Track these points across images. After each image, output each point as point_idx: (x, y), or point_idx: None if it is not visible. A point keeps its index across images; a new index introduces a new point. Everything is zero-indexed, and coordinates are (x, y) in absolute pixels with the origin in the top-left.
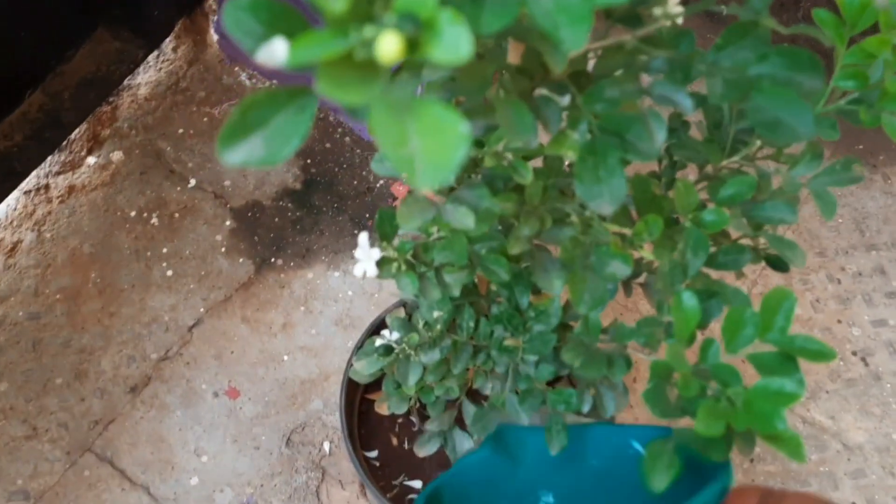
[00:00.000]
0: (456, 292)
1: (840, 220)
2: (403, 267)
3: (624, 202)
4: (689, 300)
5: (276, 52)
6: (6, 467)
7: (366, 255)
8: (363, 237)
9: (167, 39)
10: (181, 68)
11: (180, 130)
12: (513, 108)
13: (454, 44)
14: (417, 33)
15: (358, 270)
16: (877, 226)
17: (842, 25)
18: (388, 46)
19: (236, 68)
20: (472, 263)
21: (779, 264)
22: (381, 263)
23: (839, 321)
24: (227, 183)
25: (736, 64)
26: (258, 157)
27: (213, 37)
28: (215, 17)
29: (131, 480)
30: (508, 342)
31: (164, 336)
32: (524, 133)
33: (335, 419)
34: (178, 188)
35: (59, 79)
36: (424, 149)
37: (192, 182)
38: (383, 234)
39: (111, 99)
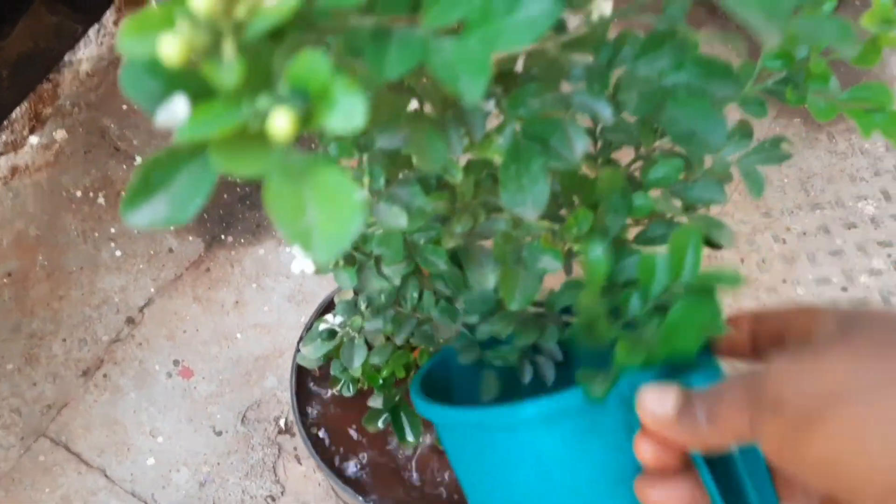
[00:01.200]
0: (396, 282)
1: (786, 180)
2: (341, 262)
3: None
4: (596, 250)
5: (178, 111)
6: None
7: (297, 257)
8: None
9: (107, 13)
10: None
11: (124, 107)
12: (424, 134)
13: (349, 113)
14: (310, 106)
15: (295, 268)
16: (821, 185)
17: None
18: (281, 123)
19: None
20: (410, 254)
21: (710, 242)
22: (318, 269)
23: (784, 280)
24: None
25: (652, 74)
26: (162, 219)
27: (154, 7)
28: None
29: (87, 463)
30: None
31: (115, 318)
32: (435, 161)
33: (290, 395)
34: (124, 166)
35: None
36: (321, 219)
37: (138, 160)
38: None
39: (52, 76)
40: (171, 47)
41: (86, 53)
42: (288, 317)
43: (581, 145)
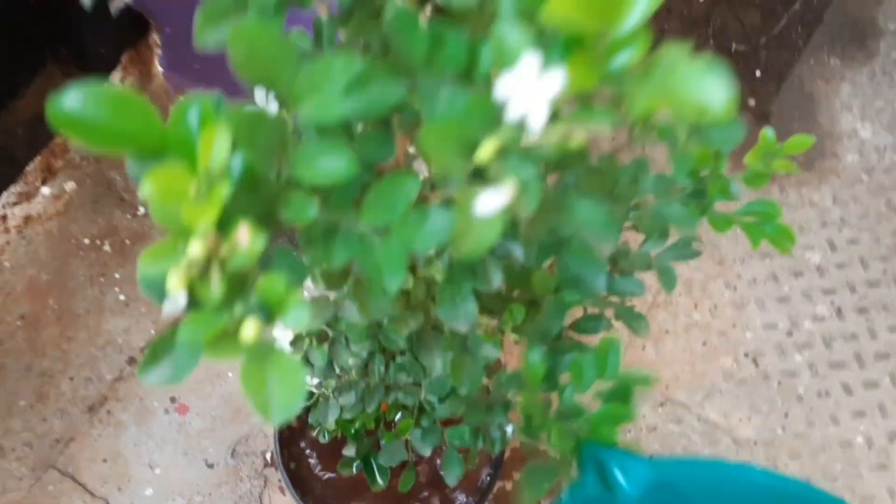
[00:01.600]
0: (363, 355)
1: (737, 231)
2: (314, 343)
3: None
4: (534, 357)
5: (178, 304)
6: None
7: (280, 333)
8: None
9: (114, 72)
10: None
11: None
12: (368, 295)
13: (297, 318)
14: (271, 312)
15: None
16: None
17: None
18: (250, 330)
19: (181, 97)
20: (374, 333)
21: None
22: (294, 341)
23: (734, 325)
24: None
25: (553, 228)
26: (166, 380)
27: (158, 68)
28: (159, 51)
29: (92, 493)
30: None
31: (118, 358)
32: (376, 314)
33: (272, 434)
34: (129, 216)
35: (12, 115)
36: (277, 393)
37: (142, 210)
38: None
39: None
40: (174, 280)
41: None
42: None
43: (497, 277)
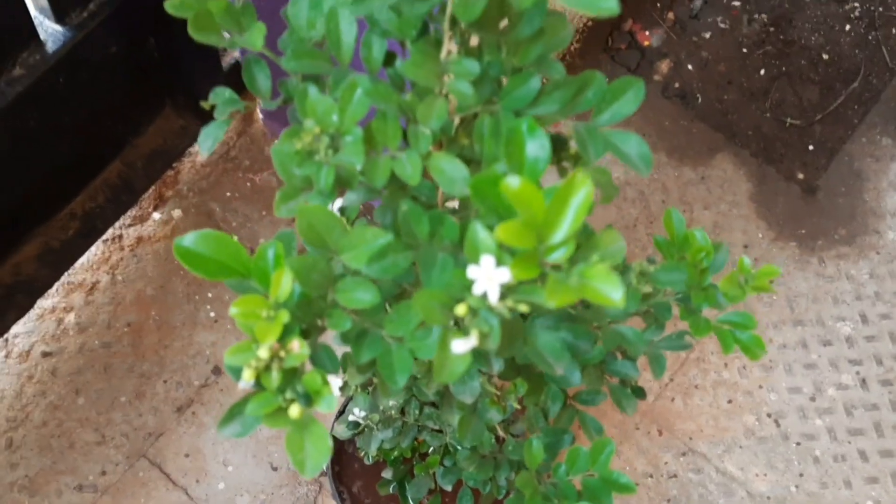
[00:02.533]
0: (401, 401)
1: (774, 297)
2: (359, 390)
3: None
4: (535, 444)
5: (250, 384)
6: (82, 466)
7: (333, 380)
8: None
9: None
10: (231, 139)
11: (228, 193)
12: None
13: (329, 402)
14: (311, 399)
15: None
16: (806, 304)
17: (672, 246)
18: (294, 412)
19: (277, 141)
20: (410, 384)
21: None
22: (343, 388)
23: (760, 386)
24: (261, 240)
25: (537, 337)
26: (237, 433)
27: (259, 115)
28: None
29: (174, 482)
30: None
31: (205, 367)
32: (392, 397)
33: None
34: None
35: (134, 150)
36: (311, 455)
37: (235, 238)
38: (344, 366)
39: (175, 165)
40: (247, 372)
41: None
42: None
43: (498, 364)
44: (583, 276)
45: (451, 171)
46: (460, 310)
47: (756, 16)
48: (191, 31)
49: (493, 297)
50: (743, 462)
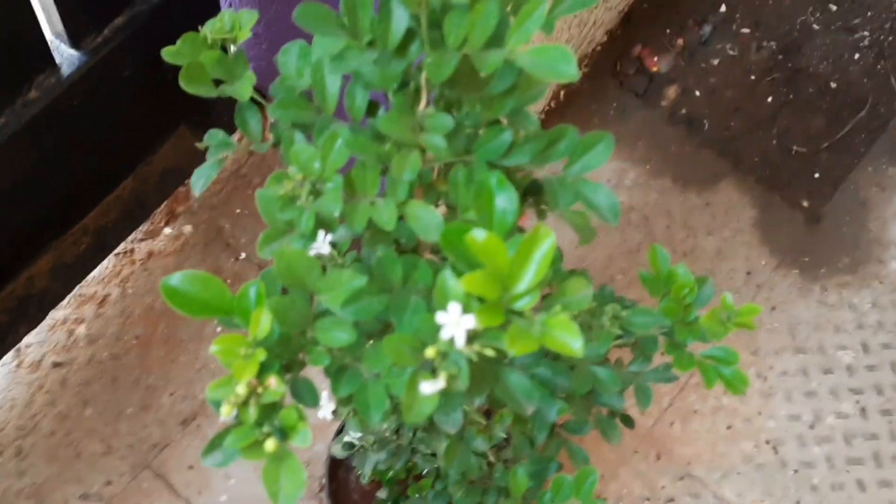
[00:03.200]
0: (394, 424)
1: (776, 325)
2: (351, 414)
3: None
4: (520, 473)
5: (229, 418)
6: (87, 475)
7: (325, 404)
8: (324, 394)
9: (234, 136)
10: (242, 158)
11: (237, 210)
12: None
13: (303, 437)
14: (287, 433)
15: (320, 414)
16: (807, 332)
17: (657, 281)
18: (270, 446)
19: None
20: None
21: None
22: (335, 411)
23: (759, 413)
24: (260, 235)
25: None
26: (218, 463)
27: (269, 134)
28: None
29: (177, 494)
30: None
31: (210, 380)
32: (371, 429)
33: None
34: (232, 259)
35: (148, 168)
36: (285, 487)
37: (243, 255)
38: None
39: (187, 182)
40: (226, 407)
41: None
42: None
43: (479, 399)
44: (545, 326)
45: (426, 219)
46: (429, 352)
47: (765, 43)
48: (182, 81)
49: (460, 342)
50: (740, 488)
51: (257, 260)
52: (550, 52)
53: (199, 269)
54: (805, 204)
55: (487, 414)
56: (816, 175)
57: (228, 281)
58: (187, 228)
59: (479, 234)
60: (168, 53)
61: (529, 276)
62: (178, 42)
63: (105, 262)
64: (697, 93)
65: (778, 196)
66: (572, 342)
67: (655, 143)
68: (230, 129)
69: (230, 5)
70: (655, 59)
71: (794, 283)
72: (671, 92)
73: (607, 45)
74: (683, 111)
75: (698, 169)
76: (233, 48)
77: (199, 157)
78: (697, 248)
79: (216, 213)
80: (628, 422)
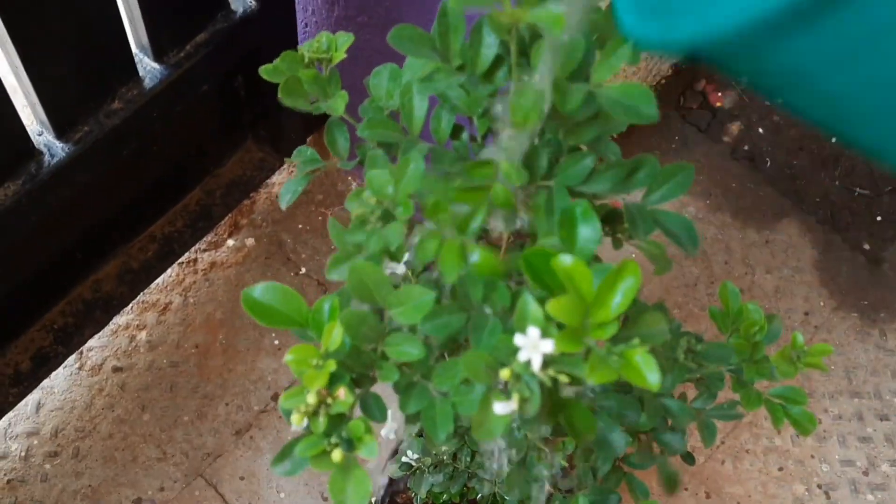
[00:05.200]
0: (453, 447)
1: (832, 367)
2: (412, 434)
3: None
4: (582, 500)
5: (300, 427)
6: (142, 480)
7: (388, 422)
8: (388, 412)
9: None
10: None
11: (299, 226)
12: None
13: (370, 451)
14: (354, 445)
15: (382, 433)
16: (864, 376)
17: (727, 318)
18: (337, 456)
19: (349, 178)
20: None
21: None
22: (397, 431)
23: (812, 456)
24: (330, 258)
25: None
26: (289, 471)
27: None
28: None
29: (228, 503)
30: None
31: (266, 393)
32: (437, 448)
33: (382, 480)
34: (291, 273)
35: (215, 180)
36: (352, 497)
37: (303, 270)
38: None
39: (252, 195)
40: (296, 416)
41: (278, 180)
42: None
43: (546, 429)
44: (623, 357)
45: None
46: (504, 373)
47: None
48: (281, 95)
49: (536, 366)
50: None
51: (317, 275)
52: (633, 91)
53: (259, 280)
54: (866, 246)
55: (547, 441)
56: (879, 217)
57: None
58: (250, 241)
59: (566, 260)
60: (266, 71)
61: (613, 307)
62: (277, 60)
63: (169, 270)
64: (760, 130)
65: (839, 237)
66: (650, 375)
67: (717, 178)
68: (296, 145)
69: (306, 25)
70: (719, 94)
71: (852, 326)
72: (734, 128)
73: (672, 79)
74: (746, 147)
75: (759, 206)
76: (327, 67)
77: (265, 171)
78: (756, 285)
79: (279, 227)
80: (689, 459)
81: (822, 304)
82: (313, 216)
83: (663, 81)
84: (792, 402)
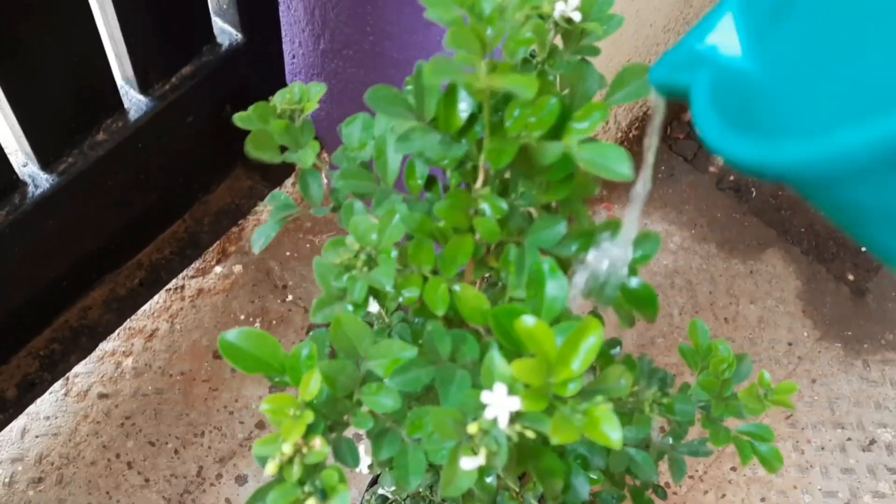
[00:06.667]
0: (427, 481)
1: (816, 398)
2: (387, 469)
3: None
4: None
5: (273, 474)
6: None
7: (363, 457)
8: (362, 448)
9: (288, 179)
10: (296, 202)
11: (287, 253)
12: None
13: (342, 499)
14: (328, 494)
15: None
16: (847, 407)
17: (696, 355)
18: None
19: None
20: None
21: None
22: (371, 466)
23: (795, 487)
24: (314, 300)
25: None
26: None
27: (324, 179)
28: (327, 167)
29: None
30: None
31: (250, 421)
32: (409, 491)
33: None
34: (279, 300)
35: (203, 207)
36: None
37: (290, 297)
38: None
39: (240, 222)
40: (271, 465)
41: (267, 207)
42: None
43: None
44: (586, 415)
45: (474, 304)
46: (472, 429)
47: None
48: (248, 147)
49: (503, 422)
50: None
51: (304, 302)
52: (606, 151)
53: (247, 309)
54: (850, 277)
55: (520, 478)
56: (863, 249)
57: (273, 322)
58: (237, 268)
59: (528, 321)
60: (240, 119)
61: (576, 365)
62: (249, 109)
63: (156, 297)
64: None
65: (823, 268)
66: (612, 434)
67: (703, 208)
68: (284, 173)
69: (293, 57)
70: None
71: (835, 357)
72: (720, 159)
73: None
74: (732, 178)
75: (744, 236)
76: (300, 118)
77: (253, 199)
78: (739, 315)
79: (266, 254)
80: (661, 493)
81: (805, 334)
82: (301, 244)
83: (650, 112)
84: (760, 439)
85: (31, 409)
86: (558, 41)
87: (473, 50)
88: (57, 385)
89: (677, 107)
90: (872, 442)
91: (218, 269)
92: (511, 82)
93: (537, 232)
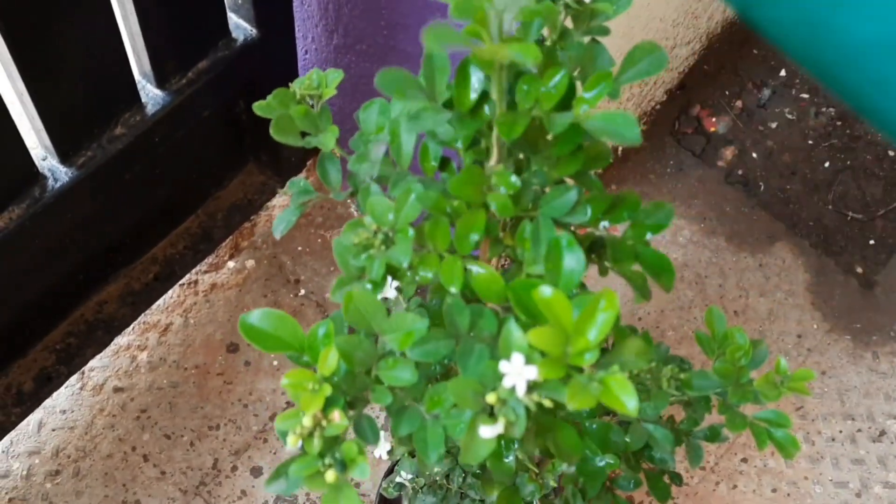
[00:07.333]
0: (445, 468)
1: (826, 390)
2: (405, 454)
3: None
4: None
5: (295, 447)
6: (142, 499)
7: (382, 443)
8: (382, 434)
9: (300, 175)
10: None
11: (299, 248)
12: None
13: (361, 472)
14: (347, 466)
15: (377, 453)
16: (857, 399)
17: (712, 342)
18: (330, 477)
19: (349, 201)
20: (455, 455)
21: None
22: (390, 451)
23: (806, 478)
24: (326, 295)
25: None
26: (282, 490)
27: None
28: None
29: None
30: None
31: (264, 413)
32: (429, 470)
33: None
34: (291, 295)
35: (216, 202)
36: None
37: (302, 291)
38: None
39: (252, 218)
40: (291, 437)
41: (278, 203)
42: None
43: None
44: (602, 384)
45: (489, 282)
46: (490, 398)
47: (824, 109)
48: (272, 132)
49: (521, 391)
50: None
51: (316, 297)
52: (615, 118)
53: (260, 304)
54: (859, 270)
55: (538, 463)
56: (871, 241)
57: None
58: (250, 263)
59: (546, 291)
60: (259, 107)
61: (592, 335)
62: (269, 97)
63: (170, 291)
64: (754, 155)
65: (832, 261)
66: (627, 401)
67: (711, 203)
68: (296, 169)
69: (306, 52)
70: (714, 119)
71: (845, 349)
72: (728, 153)
73: (667, 104)
74: (740, 172)
75: (753, 230)
76: (318, 103)
77: (265, 195)
78: (749, 308)
79: (279, 249)
80: (677, 479)
81: (815, 326)
82: (313, 238)
83: (658, 107)
84: (776, 425)
85: (47, 402)
86: (569, 23)
87: (479, 20)
88: (73, 379)
89: (684, 101)
90: (882, 433)
91: (231, 263)
92: (513, 49)
93: (550, 202)
